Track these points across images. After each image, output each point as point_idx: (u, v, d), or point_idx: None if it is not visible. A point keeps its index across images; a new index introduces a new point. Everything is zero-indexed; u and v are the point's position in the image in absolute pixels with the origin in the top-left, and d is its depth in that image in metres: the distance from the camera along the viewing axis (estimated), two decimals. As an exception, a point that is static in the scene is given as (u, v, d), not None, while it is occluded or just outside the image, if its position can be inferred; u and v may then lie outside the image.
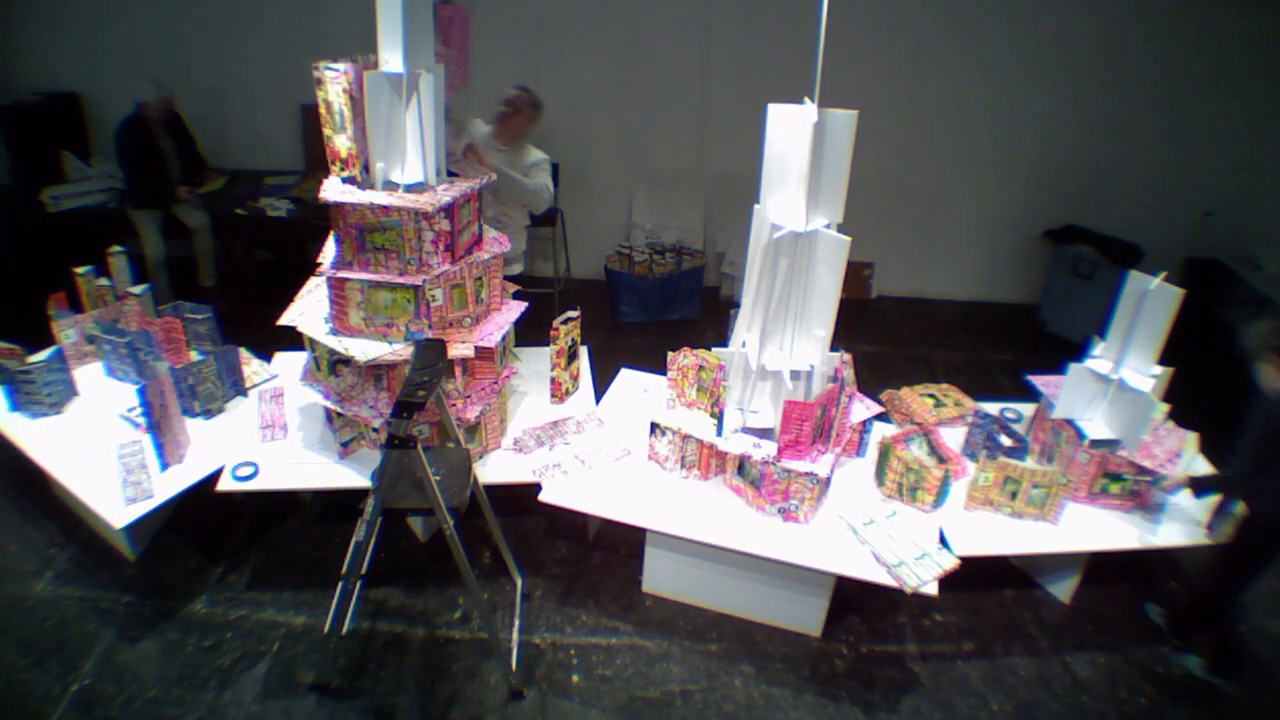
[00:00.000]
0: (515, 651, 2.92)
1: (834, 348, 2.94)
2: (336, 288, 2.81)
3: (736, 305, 2.99)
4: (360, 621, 3.00)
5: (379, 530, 2.47)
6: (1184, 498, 3.17)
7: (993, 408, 3.58)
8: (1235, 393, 2.96)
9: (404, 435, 2.22)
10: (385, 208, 2.66)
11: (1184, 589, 3.38)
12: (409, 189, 2.73)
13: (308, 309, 3.05)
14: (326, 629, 2.20)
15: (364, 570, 2.35)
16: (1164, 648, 3.19)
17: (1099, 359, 3.16)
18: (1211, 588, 2.99)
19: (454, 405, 2.99)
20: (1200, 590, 3.15)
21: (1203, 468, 3.27)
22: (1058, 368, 3.25)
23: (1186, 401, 3.33)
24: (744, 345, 2.96)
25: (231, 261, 5.08)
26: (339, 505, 3.51)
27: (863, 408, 3.17)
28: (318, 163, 5.19)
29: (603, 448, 3.29)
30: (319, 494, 3.57)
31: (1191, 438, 3.22)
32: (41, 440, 3.22)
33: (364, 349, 2.82)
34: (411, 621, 3.08)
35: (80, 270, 3.61)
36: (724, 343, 3.08)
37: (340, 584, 2.30)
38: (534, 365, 3.77)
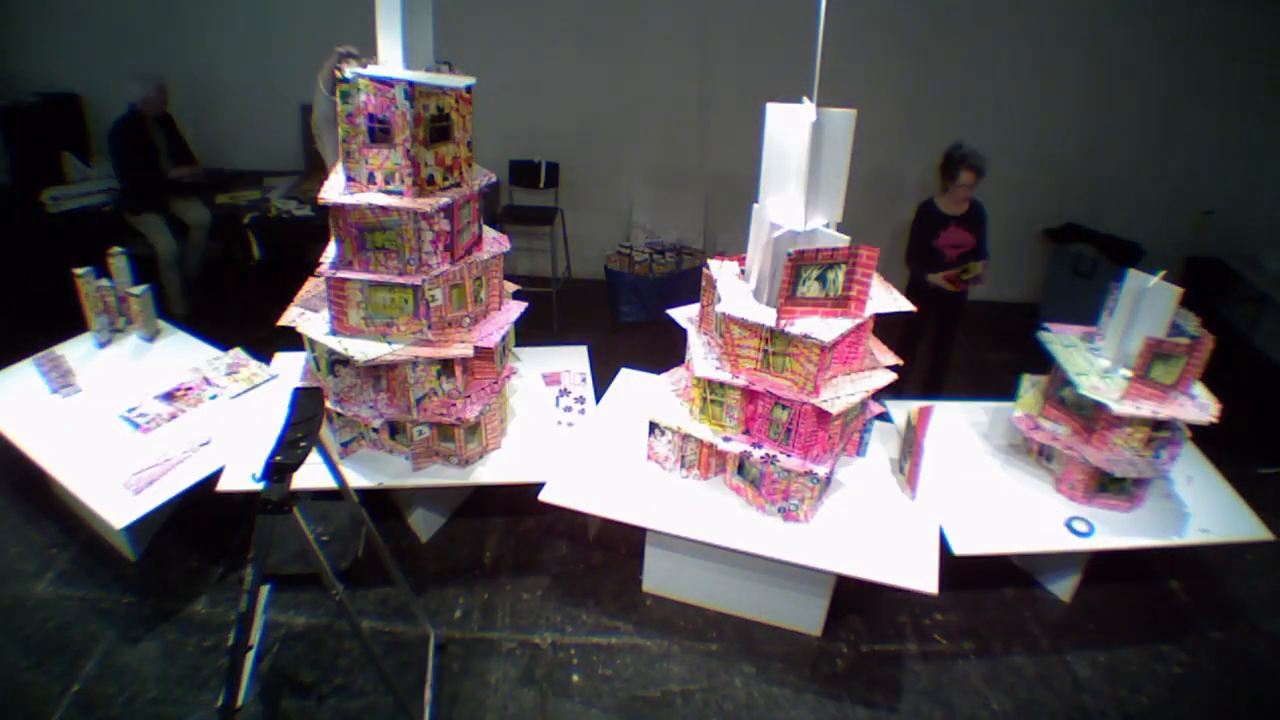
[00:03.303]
0: (428, 711, 2.73)
1: None
2: (336, 288, 2.81)
3: None
4: (361, 620, 2.99)
5: (263, 600, 2.23)
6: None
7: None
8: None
9: (279, 499, 1.92)
10: (385, 208, 2.66)
11: None
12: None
13: (307, 309, 3.05)
14: (220, 703, 2.08)
15: (253, 642, 2.09)
16: (1165, 646, 3.19)
17: (1099, 355, 3.16)
18: None
19: (453, 405, 3.00)
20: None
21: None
22: (1057, 367, 3.25)
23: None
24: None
25: (232, 262, 5.08)
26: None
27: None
28: (318, 162, 5.18)
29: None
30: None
31: None
32: (42, 441, 3.22)
33: (363, 349, 2.82)
34: (411, 621, 3.09)
35: (80, 271, 3.61)
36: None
37: (228, 657, 2.07)
38: (534, 365, 3.78)
